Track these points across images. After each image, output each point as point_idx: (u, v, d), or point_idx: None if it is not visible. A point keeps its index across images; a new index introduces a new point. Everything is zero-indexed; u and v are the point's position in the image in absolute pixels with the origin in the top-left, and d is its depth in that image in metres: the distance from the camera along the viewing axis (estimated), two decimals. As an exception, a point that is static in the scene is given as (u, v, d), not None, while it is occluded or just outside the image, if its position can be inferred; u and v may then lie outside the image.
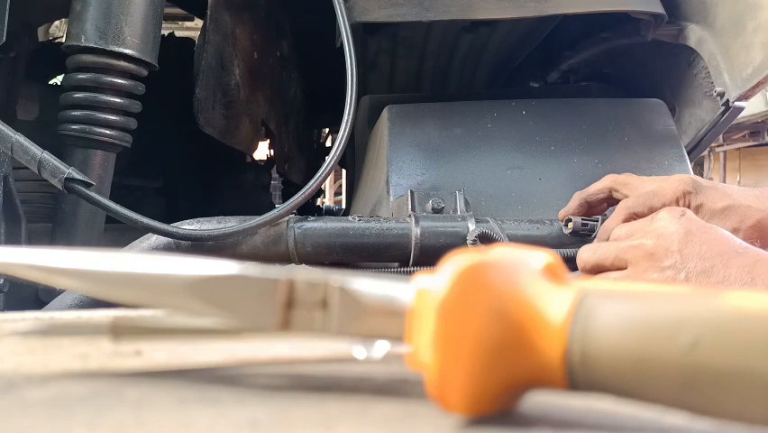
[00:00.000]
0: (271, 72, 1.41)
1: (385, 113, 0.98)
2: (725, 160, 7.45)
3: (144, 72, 0.85)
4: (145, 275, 0.27)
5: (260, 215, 0.76)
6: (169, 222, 0.74)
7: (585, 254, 0.62)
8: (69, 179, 0.68)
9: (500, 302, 0.21)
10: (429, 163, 0.91)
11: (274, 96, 1.42)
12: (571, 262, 0.73)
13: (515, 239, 0.75)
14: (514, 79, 1.56)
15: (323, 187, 3.41)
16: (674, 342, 0.19)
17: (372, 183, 1.04)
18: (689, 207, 0.64)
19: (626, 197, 0.70)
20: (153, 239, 0.75)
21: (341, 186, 4.37)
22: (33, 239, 0.86)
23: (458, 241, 0.74)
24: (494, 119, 0.96)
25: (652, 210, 0.64)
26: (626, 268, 0.59)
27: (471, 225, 0.75)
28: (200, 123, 1.03)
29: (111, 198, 0.74)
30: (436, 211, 0.82)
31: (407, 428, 0.22)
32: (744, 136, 6.57)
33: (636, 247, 0.58)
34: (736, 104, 0.97)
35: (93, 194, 0.70)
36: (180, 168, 1.63)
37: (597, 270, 0.61)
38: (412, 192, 0.85)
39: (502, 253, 0.23)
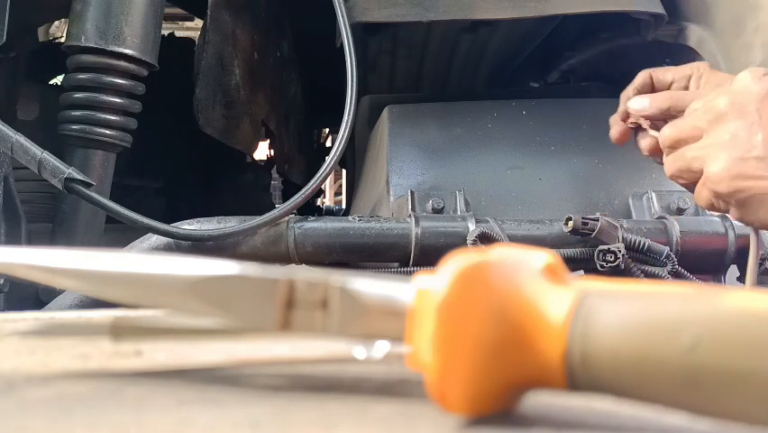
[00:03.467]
0: (271, 72, 1.41)
1: (385, 113, 0.98)
2: (725, 160, 7.44)
3: (144, 72, 0.85)
4: (145, 275, 0.27)
5: (261, 215, 0.76)
6: (169, 222, 0.74)
7: (666, 131, 0.60)
8: (69, 179, 0.68)
9: (500, 302, 0.21)
10: (429, 163, 0.91)
11: (274, 96, 1.42)
12: (571, 263, 0.73)
13: (515, 239, 0.75)
14: (514, 79, 1.56)
15: (323, 187, 3.41)
16: (674, 342, 0.19)
17: (372, 183, 1.04)
18: None
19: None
20: (153, 239, 0.75)
21: (341, 186, 4.37)
22: (33, 239, 0.86)
23: (458, 241, 0.74)
24: (494, 119, 0.96)
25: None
26: (701, 137, 0.56)
27: (471, 225, 0.75)
28: (200, 123, 1.03)
29: (111, 198, 0.74)
30: (436, 211, 0.82)
31: (407, 428, 0.22)
32: (744, 136, 6.56)
33: (709, 110, 0.55)
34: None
35: (93, 194, 0.70)
36: (180, 168, 1.63)
37: (677, 145, 0.59)
38: (412, 192, 0.85)
39: (502, 253, 0.23)
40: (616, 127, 0.72)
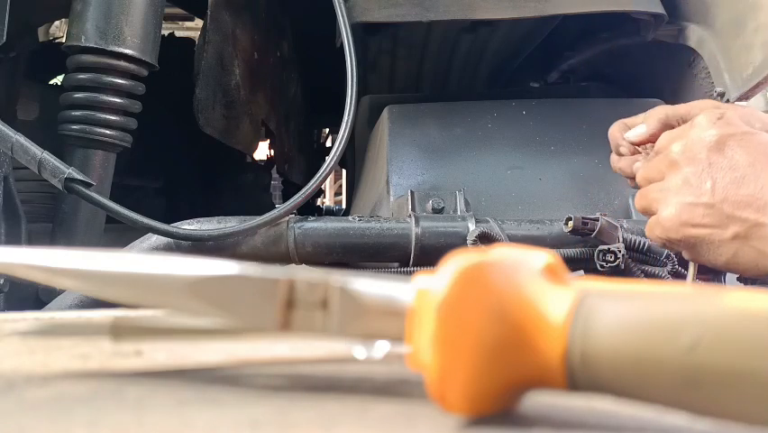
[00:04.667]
0: (271, 72, 1.41)
1: (385, 113, 0.98)
2: (725, 160, 7.43)
3: (144, 72, 0.85)
4: (145, 275, 0.27)
5: (261, 215, 0.76)
6: (169, 222, 0.74)
7: (640, 170, 0.61)
8: (70, 179, 0.68)
9: (500, 302, 0.21)
10: (429, 163, 0.91)
11: (274, 96, 1.42)
12: (571, 263, 0.73)
13: (515, 239, 0.75)
14: (514, 79, 1.56)
15: (323, 187, 3.41)
16: (674, 342, 0.19)
17: (372, 183, 1.04)
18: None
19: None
20: (153, 239, 0.75)
21: (341, 186, 4.37)
22: (33, 239, 0.86)
23: (458, 241, 0.74)
24: (494, 119, 0.96)
25: (682, 117, 0.62)
26: (663, 179, 0.57)
27: (471, 225, 0.75)
28: (200, 123, 1.03)
29: (111, 198, 0.74)
30: (436, 211, 0.82)
31: (407, 428, 0.22)
32: (744, 136, 6.55)
33: (666, 156, 0.56)
34: (737, 104, 0.97)
35: (93, 194, 0.70)
36: (180, 168, 1.63)
37: (646, 183, 0.60)
38: (412, 192, 0.85)
39: (502, 253, 0.23)
40: (639, 163, 0.66)
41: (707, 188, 0.53)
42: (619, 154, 0.68)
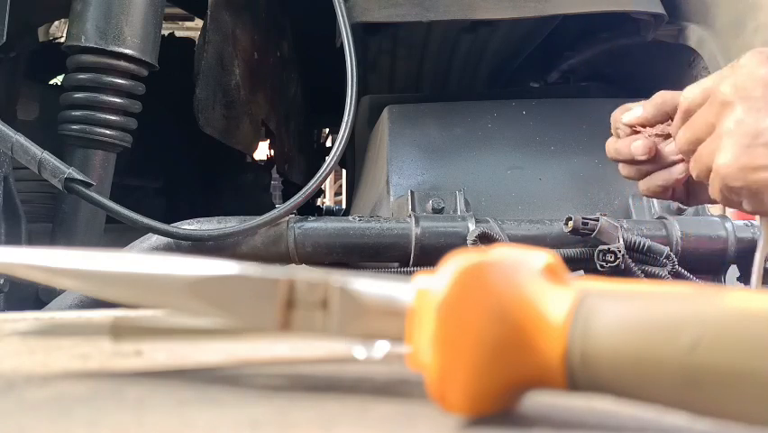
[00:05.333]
0: (271, 72, 1.41)
1: (385, 113, 0.98)
2: (725, 160, 7.43)
3: (144, 72, 0.85)
4: (145, 275, 0.27)
5: (261, 215, 0.76)
6: (169, 222, 0.74)
7: (680, 134, 0.55)
8: (70, 179, 0.68)
9: (500, 302, 0.21)
10: (429, 163, 0.91)
11: (274, 96, 1.42)
12: (571, 263, 0.73)
13: (515, 239, 0.75)
14: (514, 79, 1.56)
15: (323, 187, 3.41)
16: (675, 342, 0.19)
17: (372, 183, 1.04)
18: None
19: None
20: (153, 239, 0.75)
21: (341, 186, 4.37)
22: (33, 239, 0.86)
23: (458, 241, 0.74)
24: (494, 119, 0.96)
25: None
26: (714, 131, 0.51)
27: (471, 225, 0.75)
28: (200, 123, 1.03)
29: (111, 198, 0.74)
30: (436, 211, 0.82)
31: (407, 428, 0.22)
32: (744, 136, 6.56)
33: (715, 99, 0.51)
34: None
35: (93, 194, 0.70)
36: (180, 168, 1.63)
37: (694, 146, 0.54)
38: (412, 192, 0.85)
39: (502, 253, 0.23)
40: (638, 142, 0.61)
41: (765, 126, 0.48)
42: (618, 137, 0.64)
